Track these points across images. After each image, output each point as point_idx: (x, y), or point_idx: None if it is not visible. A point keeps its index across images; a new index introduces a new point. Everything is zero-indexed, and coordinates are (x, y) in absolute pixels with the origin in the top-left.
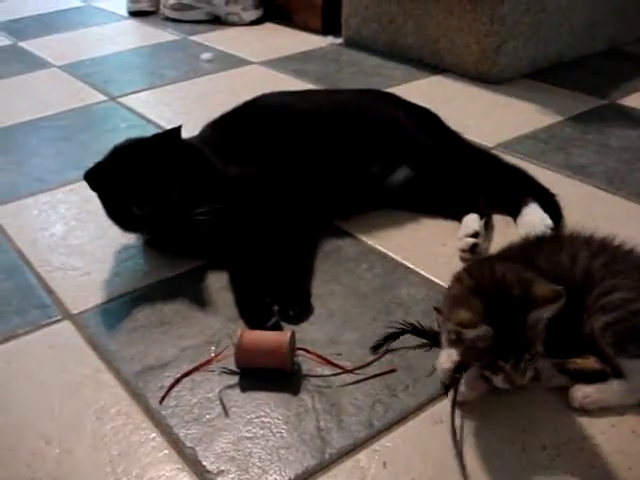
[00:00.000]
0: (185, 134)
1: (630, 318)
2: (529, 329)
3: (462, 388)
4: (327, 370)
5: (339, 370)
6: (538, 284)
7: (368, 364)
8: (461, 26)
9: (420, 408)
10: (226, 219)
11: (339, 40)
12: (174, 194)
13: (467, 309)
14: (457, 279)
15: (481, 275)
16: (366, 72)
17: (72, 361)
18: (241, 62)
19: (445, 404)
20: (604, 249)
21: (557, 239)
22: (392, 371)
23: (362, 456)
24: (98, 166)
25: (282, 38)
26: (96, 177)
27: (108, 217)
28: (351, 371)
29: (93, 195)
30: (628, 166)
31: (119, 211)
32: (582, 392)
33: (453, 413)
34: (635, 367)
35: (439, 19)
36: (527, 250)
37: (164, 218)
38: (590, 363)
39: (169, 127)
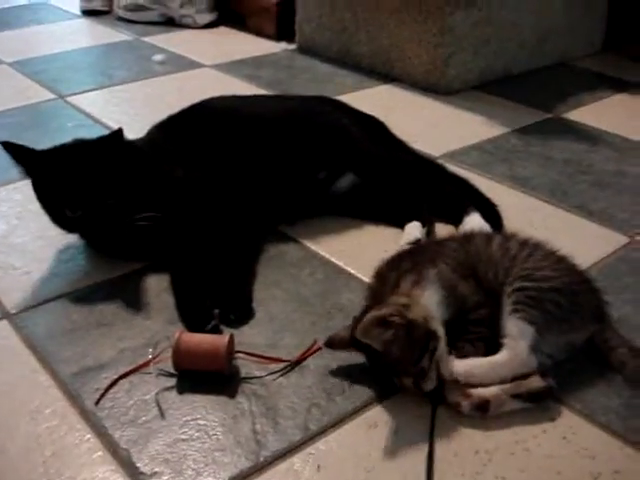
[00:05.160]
0: (132, 135)
1: (544, 290)
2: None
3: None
4: (264, 371)
5: (278, 364)
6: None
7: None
8: (412, 37)
9: (356, 412)
10: (167, 224)
11: (292, 46)
12: (110, 199)
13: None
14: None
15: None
16: (318, 79)
17: (8, 361)
18: (193, 65)
19: (379, 410)
20: (510, 238)
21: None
22: (319, 349)
23: (296, 459)
24: (36, 153)
25: (235, 42)
26: (33, 163)
27: (41, 208)
28: (289, 361)
29: None
30: (570, 179)
31: (52, 210)
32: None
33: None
34: (521, 330)
35: (390, 29)
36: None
37: (98, 223)
38: (534, 382)
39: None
